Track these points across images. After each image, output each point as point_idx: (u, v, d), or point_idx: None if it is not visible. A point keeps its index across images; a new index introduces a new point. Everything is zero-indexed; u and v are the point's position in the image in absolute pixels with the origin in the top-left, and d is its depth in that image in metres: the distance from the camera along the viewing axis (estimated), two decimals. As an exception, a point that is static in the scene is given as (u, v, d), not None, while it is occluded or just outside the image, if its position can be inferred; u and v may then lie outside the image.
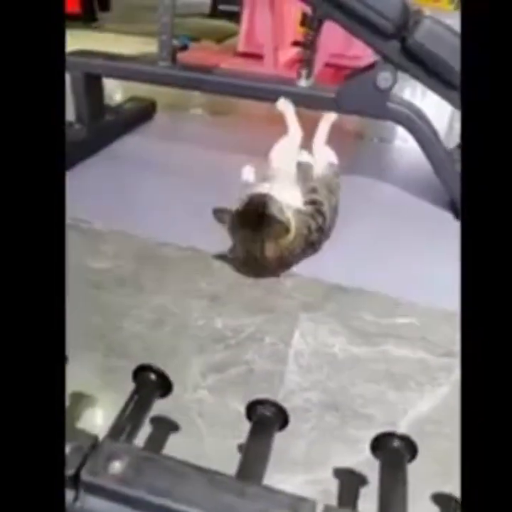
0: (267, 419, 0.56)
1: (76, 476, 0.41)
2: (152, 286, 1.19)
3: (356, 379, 0.97)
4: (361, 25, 1.37)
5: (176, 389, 0.79)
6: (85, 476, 0.41)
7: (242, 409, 0.91)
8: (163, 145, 1.92)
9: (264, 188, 1.16)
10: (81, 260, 1.25)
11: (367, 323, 1.10)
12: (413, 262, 1.32)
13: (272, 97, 1.47)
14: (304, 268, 1.25)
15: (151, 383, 0.59)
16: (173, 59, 1.60)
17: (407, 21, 1.32)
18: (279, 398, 0.94)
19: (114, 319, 1.08)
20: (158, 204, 1.53)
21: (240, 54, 3.19)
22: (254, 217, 1.13)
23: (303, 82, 1.51)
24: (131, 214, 1.47)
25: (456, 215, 1.53)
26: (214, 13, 4.30)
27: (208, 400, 0.91)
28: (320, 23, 1.45)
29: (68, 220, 1.39)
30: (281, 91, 1.48)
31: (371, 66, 1.48)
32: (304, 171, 1.31)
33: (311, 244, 1.22)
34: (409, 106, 1.47)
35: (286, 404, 0.75)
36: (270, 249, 1.14)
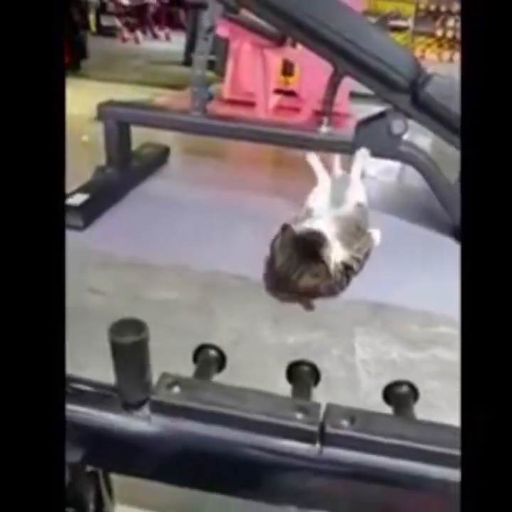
0: (403, 397, 0.72)
1: (318, 432, 0.55)
2: (221, 311, 1.33)
3: (418, 378, 1.14)
4: (376, 80, 1.61)
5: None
6: (330, 429, 0.55)
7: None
8: (182, 185, 2.07)
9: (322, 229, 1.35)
10: (150, 293, 1.38)
11: (413, 333, 1.29)
12: (436, 281, 1.51)
13: (298, 143, 1.67)
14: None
15: (306, 375, 0.74)
16: (204, 109, 1.78)
17: (418, 77, 1.57)
18: (361, 397, 1.11)
19: (200, 341, 1.21)
20: (198, 237, 1.67)
21: (225, 101, 3.41)
22: (306, 247, 1.31)
23: (324, 129, 1.72)
24: (177, 247, 1.60)
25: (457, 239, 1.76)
26: (188, 61, 4.53)
27: (304, 401, 1.06)
28: (340, 78, 1.68)
29: (125, 259, 1.53)
30: (306, 138, 1.68)
31: (381, 114, 1.71)
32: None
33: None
34: (417, 148, 1.71)
35: (369, 402, 0.91)
36: (304, 281, 1.31)
